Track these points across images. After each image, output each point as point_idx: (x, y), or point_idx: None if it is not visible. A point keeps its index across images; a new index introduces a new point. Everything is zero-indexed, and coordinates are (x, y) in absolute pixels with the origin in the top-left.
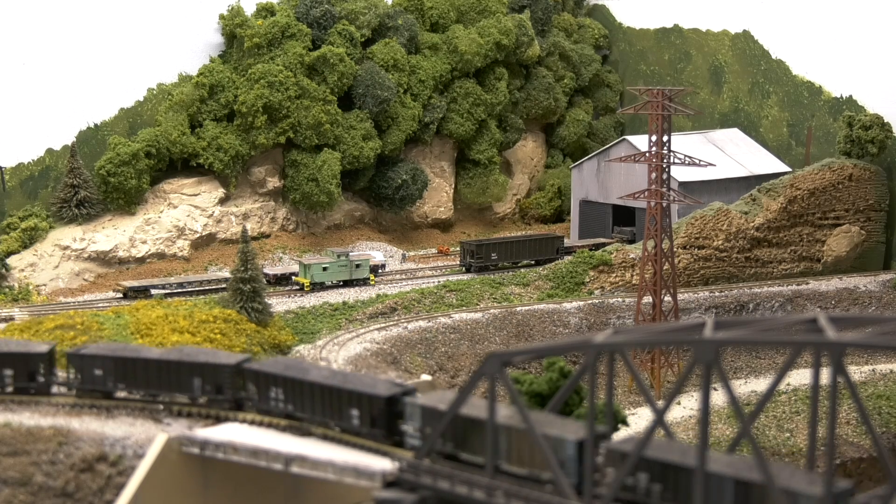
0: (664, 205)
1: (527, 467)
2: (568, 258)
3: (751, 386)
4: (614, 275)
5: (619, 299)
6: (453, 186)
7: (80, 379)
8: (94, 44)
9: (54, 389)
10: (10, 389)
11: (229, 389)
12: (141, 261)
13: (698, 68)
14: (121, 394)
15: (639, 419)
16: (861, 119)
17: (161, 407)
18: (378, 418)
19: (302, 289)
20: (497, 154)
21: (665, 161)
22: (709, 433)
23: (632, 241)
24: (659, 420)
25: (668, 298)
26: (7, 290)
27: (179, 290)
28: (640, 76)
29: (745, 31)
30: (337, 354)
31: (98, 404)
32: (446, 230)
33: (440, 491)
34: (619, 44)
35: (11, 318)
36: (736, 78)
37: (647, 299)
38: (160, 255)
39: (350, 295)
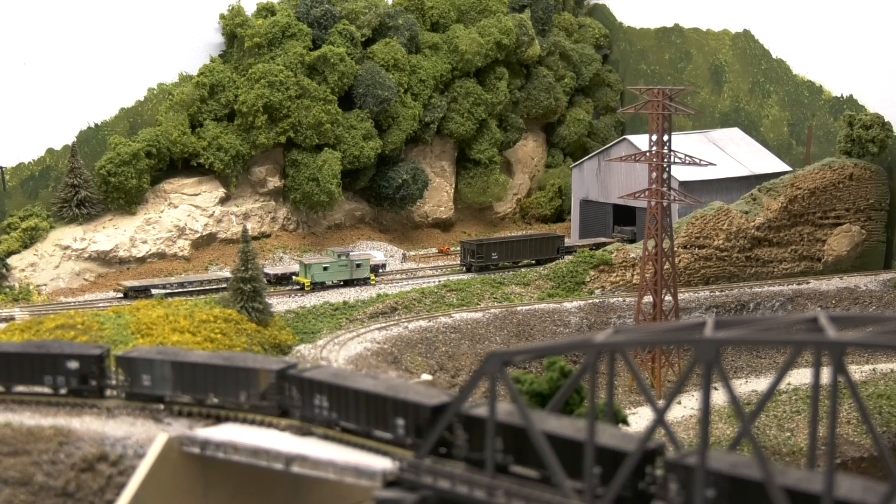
0: (665, 204)
1: None
2: (568, 258)
3: (751, 385)
4: (615, 274)
5: (620, 299)
6: (454, 186)
7: (129, 383)
8: (94, 44)
9: (107, 393)
10: (63, 391)
11: (273, 396)
12: (141, 261)
13: (699, 68)
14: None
15: (639, 419)
16: (861, 118)
17: (211, 412)
18: (424, 428)
19: (302, 288)
20: (497, 154)
21: (665, 160)
22: (709, 433)
23: (632, 241)
24: (659, 419)
25: (668, 298)
26: (8, 289)
27: (180, 290)
28: (641, 76)
29: (745, 30)
30: (337, 354)
31: (150, 408)
32: (447, 230)
33: (441, 490)
34: (619, 43)
35: (12, 318)
36: (736, 77)
37: (648, 299)
38: (161, 255)
39: (350, 294)
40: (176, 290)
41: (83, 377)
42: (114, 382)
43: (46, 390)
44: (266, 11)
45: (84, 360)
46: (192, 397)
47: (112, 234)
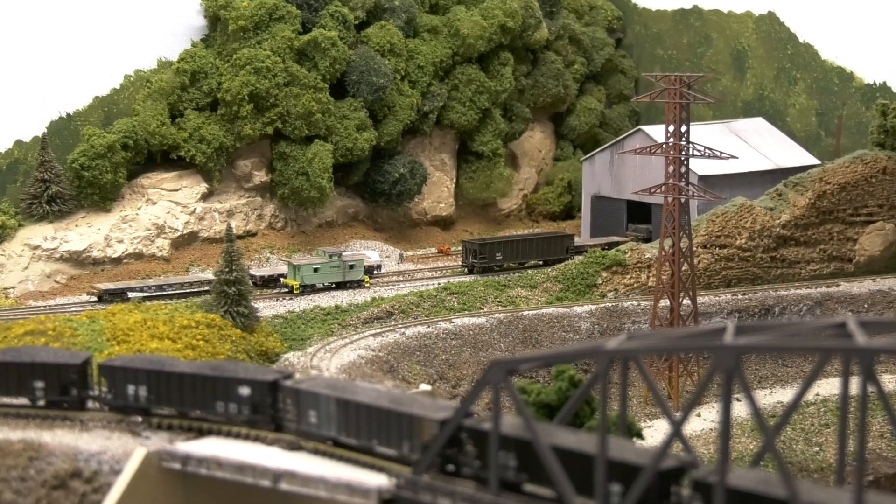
0: (682, 200)
1: None
2: (578, 258)
3: (776, 396)
4: (629, 276)
5: (634, 303)
6: (455, 181)
7: (297, 418)
8: (66, 28)
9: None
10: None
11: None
12: (117, 261)
13: (719, 53)
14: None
15: (655, 432)
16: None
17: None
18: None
19: (291, 291)
20: (502, 146)
21: (683, 153)
22: (730, 447)
23: (648, 240)
24: (676, 433)
25: (686, 302)
26: None
27: (159, 293)
28: (657, 61)
29: (770, 12)
30: (329, 363)
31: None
32: (447, 228)
33: None
34: (633, 26)
35: None
36: (760, 63)
37: (665, 302)
38: (138, 256)
39: (343, 298)
40: (154, 294)
41: (255, 406)
42: (287, 416)
43: (220, 419)
44: None
45: (256, 387)
46: (358, 442)
47: (85, 233)
